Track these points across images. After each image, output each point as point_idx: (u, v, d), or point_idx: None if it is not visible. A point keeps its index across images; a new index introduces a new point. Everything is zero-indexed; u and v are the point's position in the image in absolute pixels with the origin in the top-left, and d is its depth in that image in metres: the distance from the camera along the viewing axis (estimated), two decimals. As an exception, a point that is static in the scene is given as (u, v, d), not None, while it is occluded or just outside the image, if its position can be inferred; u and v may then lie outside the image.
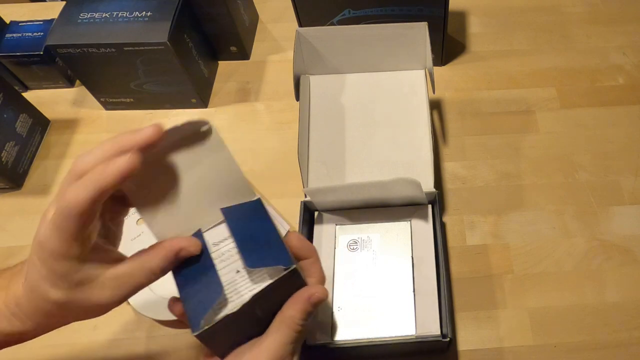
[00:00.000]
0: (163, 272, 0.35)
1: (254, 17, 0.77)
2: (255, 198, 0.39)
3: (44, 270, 0.32)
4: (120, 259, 0.35)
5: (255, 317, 0.37)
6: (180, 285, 0.36)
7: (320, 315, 0.48)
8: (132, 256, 0.35)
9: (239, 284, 0.36)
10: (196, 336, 0.34)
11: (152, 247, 0.35)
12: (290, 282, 0.37)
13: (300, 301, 0.37)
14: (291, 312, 0.36)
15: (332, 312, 0.48)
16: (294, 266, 0.35)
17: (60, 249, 0.31)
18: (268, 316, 0.37)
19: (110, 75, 0.64)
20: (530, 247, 0.59)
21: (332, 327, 0.48)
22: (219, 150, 0.37)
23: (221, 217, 0.38)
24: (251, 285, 0.36)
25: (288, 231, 0.59)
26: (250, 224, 0.38)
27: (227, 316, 0.34)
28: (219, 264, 0.37)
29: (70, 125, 0.68)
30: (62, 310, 0.33)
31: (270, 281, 0.35)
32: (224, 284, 0.36)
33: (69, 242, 0.31)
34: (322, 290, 0.38)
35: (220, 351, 0.37)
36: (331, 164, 0.57)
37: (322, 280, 0.40)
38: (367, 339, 0.47)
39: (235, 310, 0.34)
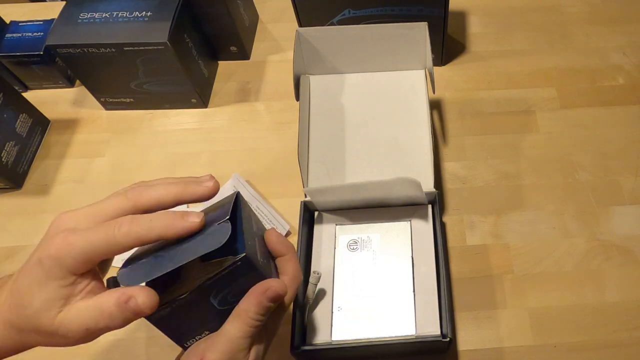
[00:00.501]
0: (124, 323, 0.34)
1: (254, 17, 0.77)
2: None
3: (41, 273, 0.31)
4: (100, 288, 0.34)
5: (214, 308, 0.36)
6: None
7: (320, 315, 0.48)
8: (109, 291, 0.34)
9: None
10: (147, 319, 0.34)
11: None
12: (245, 273, 0.36)
13: (255, 295, 0.36)
14: (245, 305, 0.36)
15: (332, 312, 0.48)
16: (244, 254, 0.34)
17: (75, 261, 0.31)
18: (231, 309, 0.37)
19: (110, 75, 0.64)
20: (530, 247, 0.59)
21: (332, 327, 0.48)
22: None
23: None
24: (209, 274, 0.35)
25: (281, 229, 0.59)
26: (215, 216, 0.38)
27: (176, 301, 0.34)
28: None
29: (70, 125, 0.68)
30: (33, 328, 0.32)
31: (220, 268, 0.34)
32: (182, 271, 0.35)
33: (86, 260, 0.31)
34: (279, 285, 0.36)
35: (179, 340, 0.37)
36: (331, 164, 0.57)
37: (295, 278, 0.39)
38: (367, 339, 0.47)
39: (183, 296, 0.34)
